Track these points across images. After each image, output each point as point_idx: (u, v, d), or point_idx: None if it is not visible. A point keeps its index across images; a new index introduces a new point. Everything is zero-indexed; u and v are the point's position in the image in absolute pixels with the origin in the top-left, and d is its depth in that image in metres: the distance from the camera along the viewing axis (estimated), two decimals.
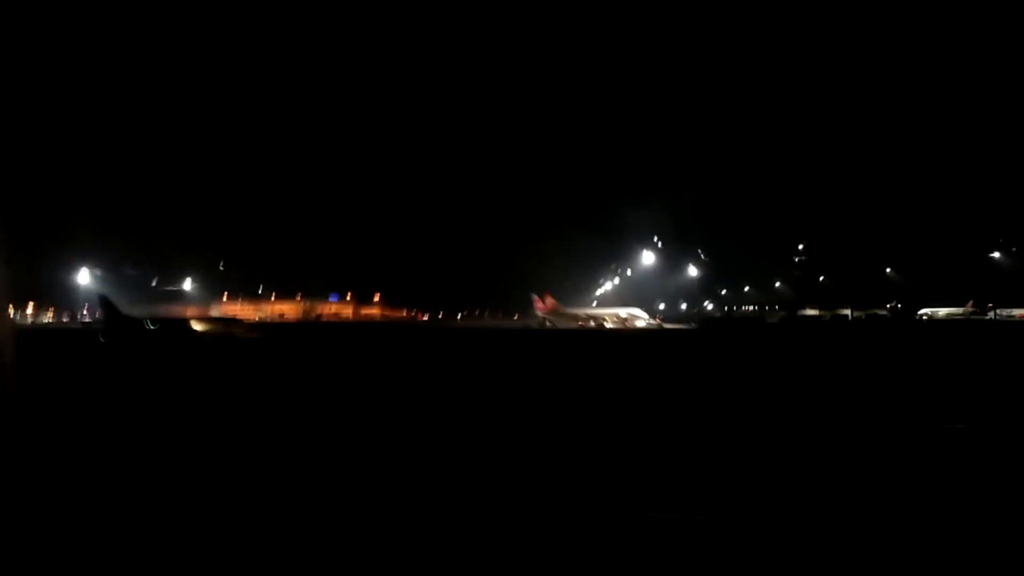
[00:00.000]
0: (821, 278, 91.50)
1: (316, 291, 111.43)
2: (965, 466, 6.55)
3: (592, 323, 74.16)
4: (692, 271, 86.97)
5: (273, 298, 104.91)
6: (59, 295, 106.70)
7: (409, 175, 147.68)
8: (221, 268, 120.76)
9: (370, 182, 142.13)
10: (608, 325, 71.33)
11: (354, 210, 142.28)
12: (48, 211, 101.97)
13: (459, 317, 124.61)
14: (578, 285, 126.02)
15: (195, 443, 8.17)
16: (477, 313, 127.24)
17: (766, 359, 23.05)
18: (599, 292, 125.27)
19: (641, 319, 72.54)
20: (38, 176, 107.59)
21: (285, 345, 33.76)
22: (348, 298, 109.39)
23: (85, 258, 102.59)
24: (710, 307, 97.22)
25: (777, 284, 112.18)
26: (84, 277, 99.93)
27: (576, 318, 76.56)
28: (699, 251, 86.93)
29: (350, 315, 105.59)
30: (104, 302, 44.33)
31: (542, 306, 79.01)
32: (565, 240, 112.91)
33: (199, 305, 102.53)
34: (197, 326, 46.11)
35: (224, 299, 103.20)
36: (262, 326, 63.18)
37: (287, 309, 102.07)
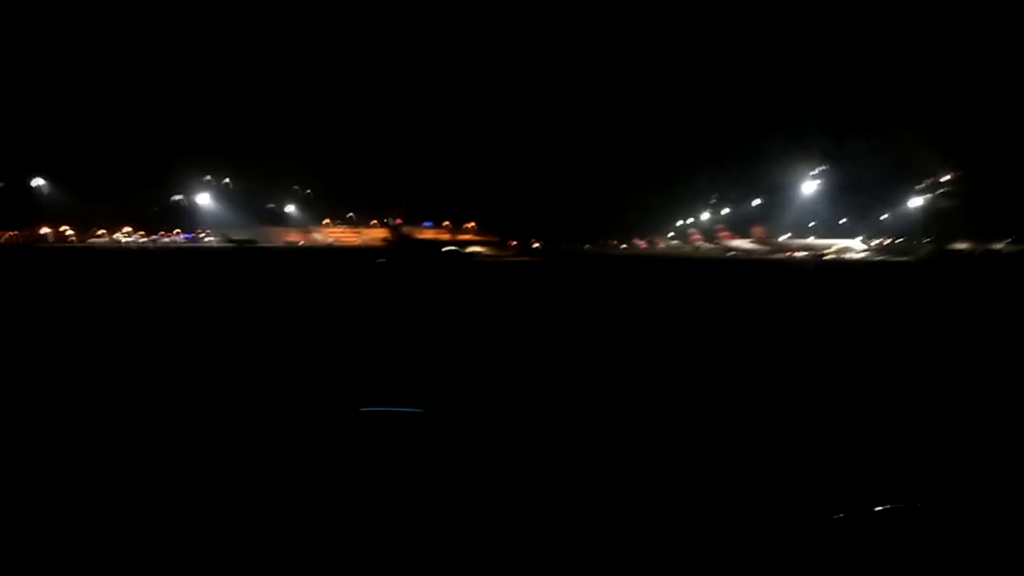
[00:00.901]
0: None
1: (407, 217, 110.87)
2: None
3: (801, 254, 67.68)
4: (915, 201, 75.12)
5: (373, 224, 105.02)
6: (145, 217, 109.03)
7: (500, 102, 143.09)
8: (309, 193, 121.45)
9: (459, 109, 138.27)
10: (827, 259, 63.03)
11: (440, 138, 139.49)
12: (137, 137, 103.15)
13: (556, 244, 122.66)
14: (680, 213, 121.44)
15: None
16: (571, 241, 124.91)
17: None
18: (688, 221, 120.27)
19: (854, 251, 66.95)
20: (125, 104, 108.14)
21: (557, 266, 33.43)
22: (444, 224, 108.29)
23: (178, 182, 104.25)
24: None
25: (883, 217, 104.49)
26: (192, 199, 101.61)
27: (786, 248, 71.40)
28: (931, 177, 73.09)
29: (448, 240, 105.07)
30: (395, 226, 47.28)
31: (727, 235, 75.52)
32: (672, 168, 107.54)
33: (299, 229, 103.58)
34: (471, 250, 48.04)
35: (326, 223, 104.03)
36: (519, 250, 67.80)
37: (386, 233, 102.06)
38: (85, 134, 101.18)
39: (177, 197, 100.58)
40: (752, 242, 76.37)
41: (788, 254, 68.71)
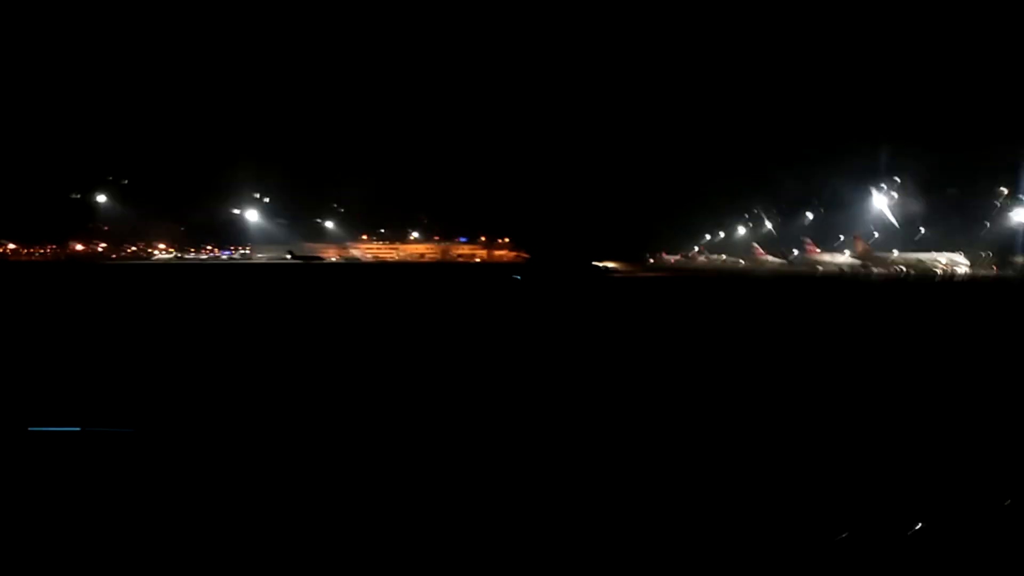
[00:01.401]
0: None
1: (443, 234, 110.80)
2: None
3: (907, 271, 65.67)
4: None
5: (411, 239, 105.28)
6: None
7: (534, 118, 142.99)
8: (340, 210, 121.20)
9: (491, 124, 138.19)
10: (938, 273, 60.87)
11: (471, 155, 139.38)
12: (183, 157, 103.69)
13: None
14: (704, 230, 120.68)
15: None
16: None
17: None
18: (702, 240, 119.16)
19: (962, 265, 64.78)
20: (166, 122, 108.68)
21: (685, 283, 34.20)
22: (482, 240, 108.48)
23: (215, 200, 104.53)
24: None
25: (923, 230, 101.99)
26: (248, 216, 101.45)
27: (891, 263, 68.54)
28: None
29: (485, 256, 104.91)
30: (538, 246, 48.38)
31: (813, 250, 73.75)
32: (710, 180, 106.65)
33: (337, 245, 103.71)
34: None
35: (364, 238, 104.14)
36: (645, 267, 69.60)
37: (424, 249, 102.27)
38: (123, 153, 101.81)
39: (227, 212, 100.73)
40: (853, 257, 72.66)
41: (897, 270, 65.87)
